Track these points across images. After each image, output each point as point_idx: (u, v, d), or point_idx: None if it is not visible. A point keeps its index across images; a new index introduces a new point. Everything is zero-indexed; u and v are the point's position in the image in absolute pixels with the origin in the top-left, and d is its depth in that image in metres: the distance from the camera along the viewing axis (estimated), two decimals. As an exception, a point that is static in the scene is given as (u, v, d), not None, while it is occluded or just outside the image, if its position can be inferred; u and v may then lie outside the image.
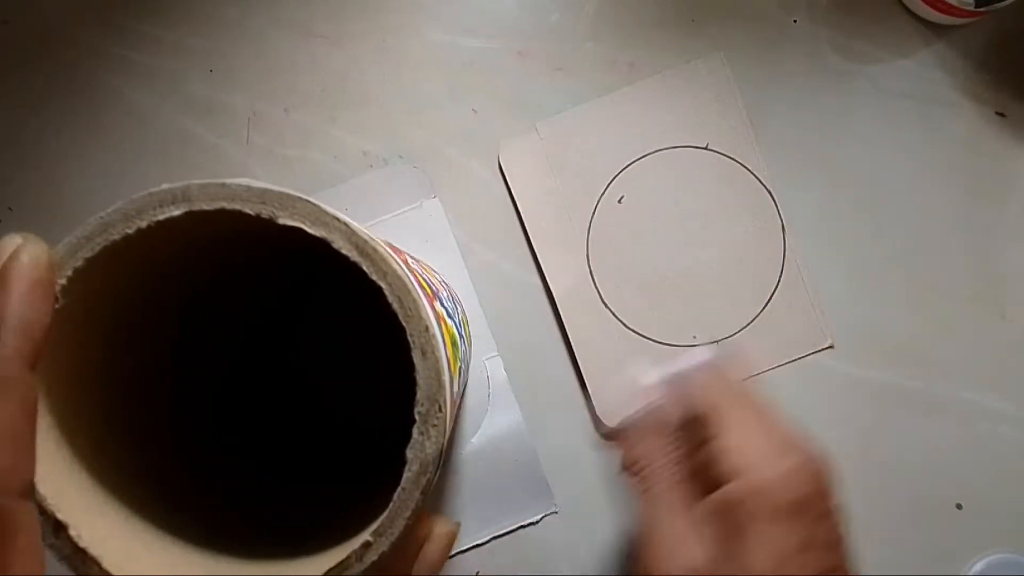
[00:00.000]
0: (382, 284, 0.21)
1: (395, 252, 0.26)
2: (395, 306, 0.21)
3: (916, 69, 0.41)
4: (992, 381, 0.40)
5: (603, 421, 0.39)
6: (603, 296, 0.40)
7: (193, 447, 0.32)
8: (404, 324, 0.21)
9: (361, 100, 0.41)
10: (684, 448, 0.28)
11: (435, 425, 0.21)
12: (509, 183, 0.40)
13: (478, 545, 0.39)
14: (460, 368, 0.28)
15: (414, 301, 0.21)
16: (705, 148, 0.41)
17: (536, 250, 0.40)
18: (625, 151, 0.41)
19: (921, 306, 0.40)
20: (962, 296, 0.40)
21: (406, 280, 0.21)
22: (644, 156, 0.41)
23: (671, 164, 0.41)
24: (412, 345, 0.21)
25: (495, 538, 0.39)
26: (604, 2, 0.42)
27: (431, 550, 0.21)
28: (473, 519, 0.39)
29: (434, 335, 0.21)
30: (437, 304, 0.26)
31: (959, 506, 0.39)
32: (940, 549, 0.39)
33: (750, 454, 0.25)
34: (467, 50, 0.41)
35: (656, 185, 0.40)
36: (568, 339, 0.39)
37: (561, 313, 0.39)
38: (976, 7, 0.38)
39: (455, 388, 0.25)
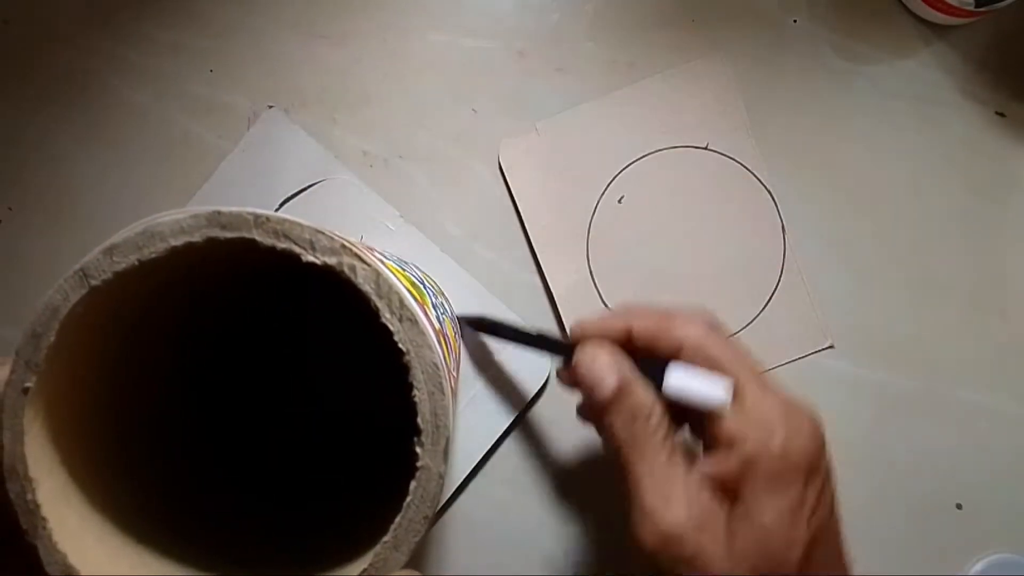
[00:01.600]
0: (394, 326, 0.21)
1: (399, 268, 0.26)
2: (404, 347, 0.21)
3: (916, 69, 0.41)
4: (992, 381, 0.39)
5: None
6: (603, 296, 0.40)
7: (194, 474, 0.32)
8: (408, 363, 0.21)
9: (361, 100, 0.41)
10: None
11: (437, 451, 0.21)
12: (509, 183, 0.40)
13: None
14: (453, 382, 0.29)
15: (428, 346, 0.21)
16: (705, 148, 0.41)
17: (536, 250, 0.40)
18: (625, 151, 0.41)
19: (921, 306, 0.40)
20: (962, 296, 0.40)
21: (419, 321, 0.21)
22: (644, 156, 0.41)
23: (671, 164, 0.41)
24: (416, 384, 0.21)
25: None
26: (604, 2, 0.42)
27: None
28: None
29: (441, 370, 0.21)
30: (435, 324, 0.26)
31: (959, 506, 0.39)
32: (940, 549, 0.39)
33: (756, 416, 0.26)
34: (467, 50, 0.41)
35: (656, 185, 0.40)
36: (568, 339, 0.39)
37: (561, 313, 0.39)
38: (976, 7, 0.38)
39: (454, 415, 0.25)
